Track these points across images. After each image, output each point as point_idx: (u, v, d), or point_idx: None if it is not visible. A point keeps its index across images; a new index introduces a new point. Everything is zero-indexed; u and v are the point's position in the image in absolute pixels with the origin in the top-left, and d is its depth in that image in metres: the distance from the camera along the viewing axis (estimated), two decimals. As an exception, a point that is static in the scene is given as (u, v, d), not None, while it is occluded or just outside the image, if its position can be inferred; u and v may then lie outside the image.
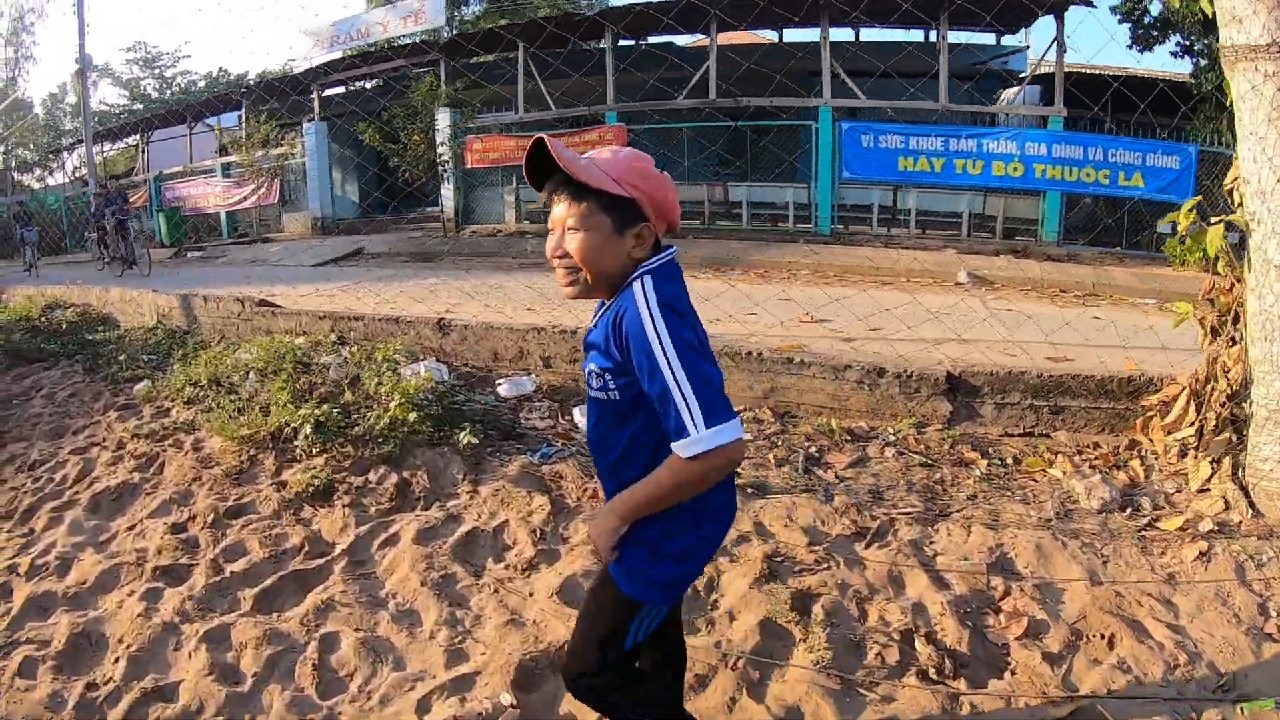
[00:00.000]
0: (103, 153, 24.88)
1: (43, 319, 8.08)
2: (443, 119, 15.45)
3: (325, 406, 3.76)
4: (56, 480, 4.20)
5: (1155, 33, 15.52)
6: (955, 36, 13.86)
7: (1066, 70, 12.86)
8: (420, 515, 3.24)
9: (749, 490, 3.37)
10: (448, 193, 15.78)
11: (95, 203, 14.92)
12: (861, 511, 3.15)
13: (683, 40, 17.40)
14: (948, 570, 2.76)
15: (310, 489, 3.39)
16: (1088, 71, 14.05)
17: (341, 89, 20.34)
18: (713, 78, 13.82)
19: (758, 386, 4.35)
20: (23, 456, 4.69)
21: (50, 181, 32.19)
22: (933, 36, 15.84)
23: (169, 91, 31.81)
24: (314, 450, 3.63)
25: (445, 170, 15.42)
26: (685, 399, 1.37)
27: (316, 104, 18.55)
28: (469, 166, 15.63)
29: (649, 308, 1.42)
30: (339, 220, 18.47)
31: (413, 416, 3.64)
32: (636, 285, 1.47)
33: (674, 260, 1.56)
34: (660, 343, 1.39)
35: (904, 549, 2.88)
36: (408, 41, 17.87)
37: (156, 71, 32.49)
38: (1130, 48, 15.76)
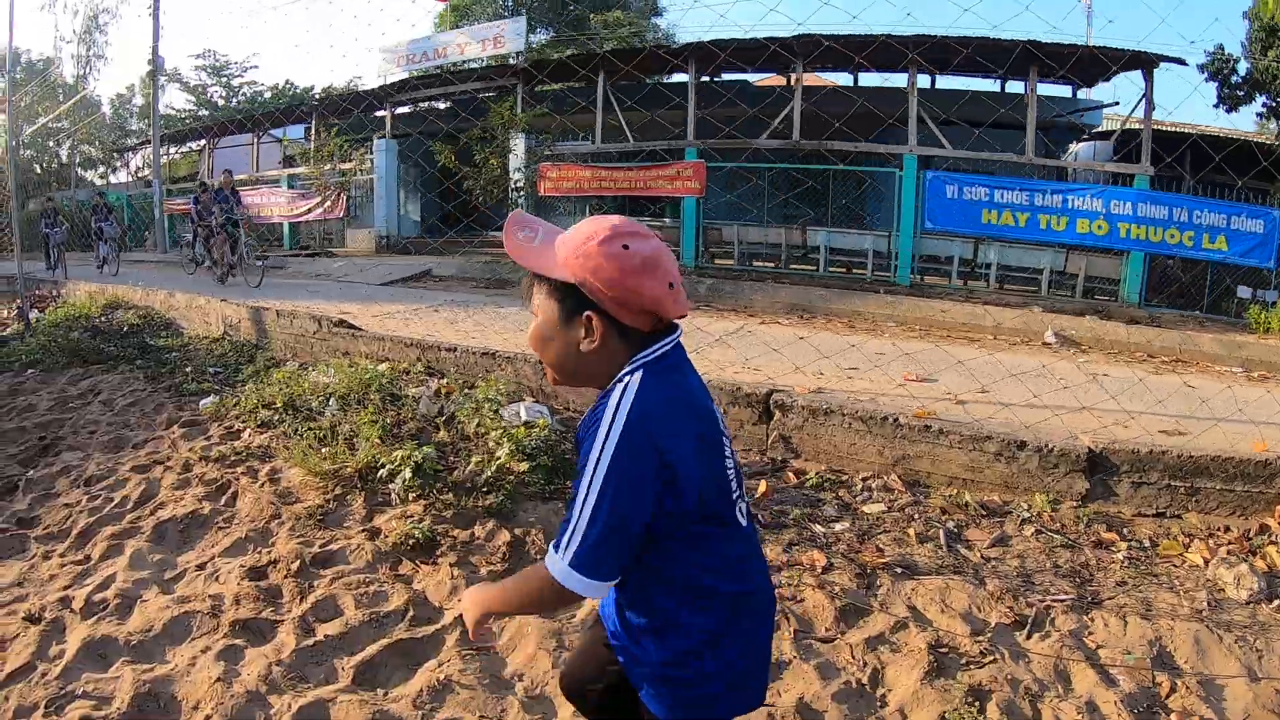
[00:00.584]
0: (168, 155, 25.22)
1: (103, 319, 7.92)
2: (518, 144, 15.27)
3: (424, 448, 3.38)
4: (115, 501, 3.91)
5: (1242, 93, 15.03)
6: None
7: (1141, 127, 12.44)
8: (539, 583, 2.83)
9: (897, 570, 3.14)
10: (519, 218, 15.49)
11: (198, 197, 12.82)
12: (1017, 598, 2.95)
13: (756, 78, 17.19)
14: (1112, 665, 2.60)
15: (410, 541, 3.01)
16: (1165, 129, 13.55)
17: (410, 108, 20.38)
18: (796, 119, 13.54)
19: (889, 453, 3.94)
20: (78, 469, 4.42)
21: (113, 180, 32.78)
22: (1009, 86, 15.55)
23: (235, 100, 32.25)
24: (410, 496, 3.26)
25: (518, 196, 15.20)
26: (574, 526, 1.23)
27: (388, 121, 18.51)
28: (542, 194, 15.39)
29: (611, 429, 1.22)
30: (403, 238, 18.36)
31: (523, 466, 3.26)
32: (618, 388, 1.26)
33: (677, 347, 1.33)
34: (595, 468, 1.22)
35: (1065, 640, 2.69)
36: (480, 65, 17.79)
37: (224, 80, 32.98)
38: (1216, 106, 15.29)
